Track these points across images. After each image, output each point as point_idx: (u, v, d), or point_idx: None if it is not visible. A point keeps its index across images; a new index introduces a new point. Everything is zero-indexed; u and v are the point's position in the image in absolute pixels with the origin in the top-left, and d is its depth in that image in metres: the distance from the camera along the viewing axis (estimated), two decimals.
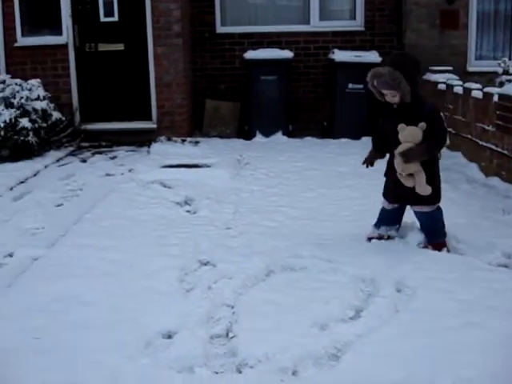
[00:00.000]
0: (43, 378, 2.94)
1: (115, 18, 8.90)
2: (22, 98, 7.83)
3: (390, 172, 4.53)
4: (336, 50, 9.20)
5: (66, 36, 8.91)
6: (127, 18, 8.90)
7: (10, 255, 4.67)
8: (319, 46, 9.67)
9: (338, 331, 3.39)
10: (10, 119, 7.59)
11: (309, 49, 9.69)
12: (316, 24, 9.70)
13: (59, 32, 8.92)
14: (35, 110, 7.91)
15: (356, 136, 8.35)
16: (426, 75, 8.72)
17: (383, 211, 4.67)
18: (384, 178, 4.67)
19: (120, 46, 8.98)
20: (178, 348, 3.20)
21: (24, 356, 3.14)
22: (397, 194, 4.50)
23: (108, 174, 7.11)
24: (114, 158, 8.02)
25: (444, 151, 7.63)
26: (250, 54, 9.17)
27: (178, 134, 8.86)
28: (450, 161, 7.23)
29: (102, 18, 8.92)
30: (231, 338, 3.39)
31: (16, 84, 8.00)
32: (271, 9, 9.94)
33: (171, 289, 3.93)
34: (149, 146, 8.45)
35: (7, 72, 8.73)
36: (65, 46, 8.93)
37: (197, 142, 8.60)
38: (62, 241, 4.89)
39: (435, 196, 4.44)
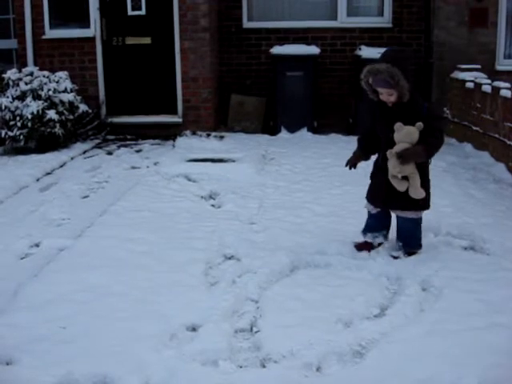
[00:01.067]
0: (69, 368, 2.95)
1: (142, 12, 8.94)
2: (49, 89, 7.89)
3: (378, 174, 4.28)
4: (363, 47, 9.14)
5: (94, 29, 8.96)
6: (154, 12, 8.93)
7: (37, 245, 4.73)
8: (346, 42, 9.62)
9: (362, 328, 3.38)
10: (38, 111, 7.65)
11: (335, 45, 9.65)
12: (343, 20, 9.66)
13: (87, 25, 8.99)
14: (62, 102, 7.97)
15: None
16: (453, 73, 8.64)
17: (370, 216, 4.44)
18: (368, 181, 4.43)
19: (147, 40, 9.01)
20: (203, 341, 3.21)
21: (50, 345, 3.18)
22: (385, 197, 4.22)
23: (133, 167, 7.15)
24: (139, 151, 8.06)
25: (469, 151, 7.64)
26: (277, 50, 9.14)
27: (203, 128, 8.88)
28: (477, 160, 7.17)
29: (130, 12, 8.97)
30: (255, 332, 3.39)
31: (44, 76, 8.06)
32: (298, 4, 9.89)
33: (196, 282, 3.94)
34: (174, 140, 8.48)
35: (35, 64, 8.80)
36: (92, 39, 8.99)
37: (222, 137, 8.61)
38: (88, 232, 4.93)
39: (427, 201, 4.22)
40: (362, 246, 4.39)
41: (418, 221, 4.28)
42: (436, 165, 6.99)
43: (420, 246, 4.36)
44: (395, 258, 4.27)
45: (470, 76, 8.16)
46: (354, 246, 4.41)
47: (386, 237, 4.43)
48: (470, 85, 8.01)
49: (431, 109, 4.16)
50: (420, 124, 3.98)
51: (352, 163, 4.45)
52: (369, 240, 4.40)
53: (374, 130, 4.30)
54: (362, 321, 3.48)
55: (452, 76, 8.66)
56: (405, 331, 3.32)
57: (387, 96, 4.03)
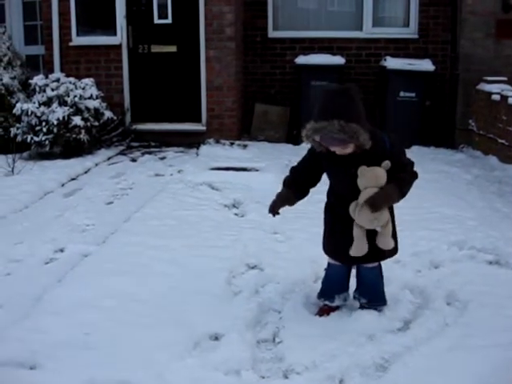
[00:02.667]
0: (91, 374, 2.97)
1: (169, 21, 9.00)
2: (75, 96, 7.97)
3: (338, 224, 3.53)
4: (388, 57, 9.12)
5: (120, 37, 9.04)
6: (180, 21, 8.99)
7: (61, 250, 4.75)
8: (371, 52, 9.59)
9: (386, 342, 3.37)
10: (63, 117, 7.73)
11: (360, 55, 9.63)
12: (369, 30, 9.63)
13: (113, 32, 9.07)
14: (88, 109, 8.05)
15: (407, 145, 8.20)
16: (479, 85, 8.58)
17: (336, 271, 3.69)
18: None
19: (172, 48, 9.07)
20: (225, 350, 3.21)
21: (73, 350, 3.20)
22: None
23: (157, 175, 7.18)
24: (163, 158, 8.10)
25: (495, 164, 7.56)
26: (301, 59, 9.17)
27: (227, 136, 8.90)
28: (503, 173, 7.10)
29: (156, 20, 9.03)
30: (278, 343, 3.40)
31: (70, 82, 8.15)
32: (323, 14, 9.91)
33: (219, 291, 3.94)
34: (197, 148, 8.51)
35: (62, 70, 8.89)
36: (118, 47, 9.07)
37: (245, 146, 8.63)
38: (112, 238, 4.95)
39: (397, 245, 3.57)
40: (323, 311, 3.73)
41: (380, 269, 3.67)
42: (461, 177, 6.98)
43: (385, 301, 3.71)
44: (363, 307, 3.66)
45: (496, 88, 8.10)
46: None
47: (346, 299, 3.74)
48: (496, 97, 7.95)
49: (395, 142, 3.44)
50: (387, 163, 3.33)
51: (277, 209, 3.65)
52: (338, 304, 3.72)
53: (311, 171, 3.58)
54: (385, 334, 3.46)
55: (478, 88, 8.60)
56: (428, 345, 3.30)
57: (341, 150, 3.32)
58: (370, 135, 3.27)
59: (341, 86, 3.42)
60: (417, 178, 3.44)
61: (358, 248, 3.43)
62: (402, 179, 3.35)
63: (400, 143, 3.46)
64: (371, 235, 3.44)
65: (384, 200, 3.32)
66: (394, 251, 3.58)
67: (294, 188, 3.62)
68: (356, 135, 3.20)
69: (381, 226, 3.41)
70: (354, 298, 3.70)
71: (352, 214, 3.40)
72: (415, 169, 3.47)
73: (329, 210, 3.65)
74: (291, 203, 3.67)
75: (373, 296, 3.66)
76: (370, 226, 3.39)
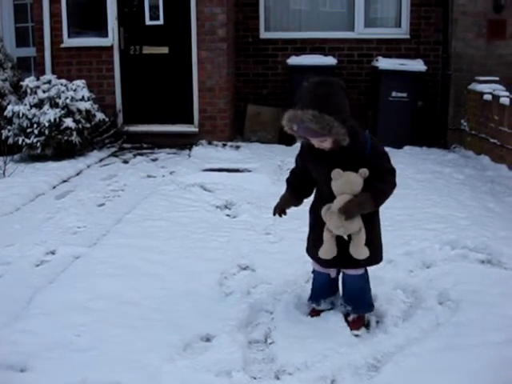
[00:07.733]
0: (83, 376, 2.96)
1: (160, 22, 8.97)
2: (66, 98, 7.94)
3: (320, 225, 3.44)
4: (380, 58, 9.13)
5: (112, 38, 9.01)
6: (172, 22, 8.96)
7: (53, 252, 4.74)
8: (363, 53, 9.60)
9: (377, 341, 3.36)
10: (55, 119, 7.71)
11: (352, 56, 9.63)
12: (361, 31, 9.63)
13: (105, 34, 9.04)
14: (79, 111, 8.02)
15: (398, 145, 8.23)
16: (471, 85, 8.59)
17: (319, 277, 3.68)
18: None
19: (164, 50, 9.05)
20: (217, 352, 3.20)
21: (65, 352, 3.19)
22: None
23: (149, 176, 7.16)
24: (155, 160, 8.08)
25: (487, 164, 7.59)
26: (293, 60, 9.17)
27: (219, 138, 8.89)
28: (495, 173, 7.12)
29: (148, 22, 9.00)
30: (270, 343, 3.39)
31: (61, 84, 8.13)
32: (315, 15, 9.90)
33: (211, 292, 3.93)
34: (190, 149, 8.50)
35: (53, 72, 8.86)
36: (110, 48, 9.04)
37: (237, 147, 8.62)
38: (104, 240, 4.93)
39: (379, 254, 3.51)
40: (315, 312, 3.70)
41: (366, 275, 3.59)
42: (453, 177, 6.99)
43: (372, 306, 3.63)
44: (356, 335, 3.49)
45: (488, 88, 8.12)
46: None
47: (336, 300, 3.73)
48: (487, 97, 7.96)
49: (377, 146, 3.33)
50: (364, 171, 3.22)
51: (280, 209, 3.57)
52: (325, 308, 3.69)
53: (305, 170, 3.52)
54: (377, 334, 3.46)
55: (470, 88, 8.61)
56: (421, 345, 3.29)
57: (319, 143, 3.25)
58: (350, 132, 3.19)
59: (324, 78, 3.36)
60: (394, 188, 3.31)
61: (326, 250, 3.39)
62: (378, 190, 3.25)
63: (383, 149, 3.36)
64: (346, 241, 3.38)
65: (357, 208, 3.23)
66: (374, 260, 3.49)
67: (295, 191, 3.58)
68: (328, 127, 3.10)
69: (351, 233, 3.33)
70: (341, 304, 3.65)
71: (323, 216, 3.36)
72: (396, 178, 3.34)
73: (312, 210, 3.60)
74: (296, 204, 3.60)
75: (357, 303, 3.58)
76: (336, 232, 3.33)
